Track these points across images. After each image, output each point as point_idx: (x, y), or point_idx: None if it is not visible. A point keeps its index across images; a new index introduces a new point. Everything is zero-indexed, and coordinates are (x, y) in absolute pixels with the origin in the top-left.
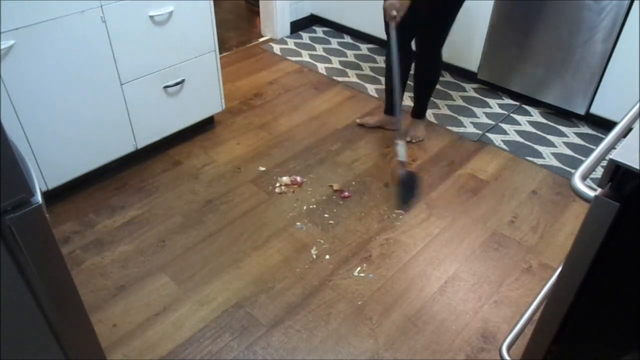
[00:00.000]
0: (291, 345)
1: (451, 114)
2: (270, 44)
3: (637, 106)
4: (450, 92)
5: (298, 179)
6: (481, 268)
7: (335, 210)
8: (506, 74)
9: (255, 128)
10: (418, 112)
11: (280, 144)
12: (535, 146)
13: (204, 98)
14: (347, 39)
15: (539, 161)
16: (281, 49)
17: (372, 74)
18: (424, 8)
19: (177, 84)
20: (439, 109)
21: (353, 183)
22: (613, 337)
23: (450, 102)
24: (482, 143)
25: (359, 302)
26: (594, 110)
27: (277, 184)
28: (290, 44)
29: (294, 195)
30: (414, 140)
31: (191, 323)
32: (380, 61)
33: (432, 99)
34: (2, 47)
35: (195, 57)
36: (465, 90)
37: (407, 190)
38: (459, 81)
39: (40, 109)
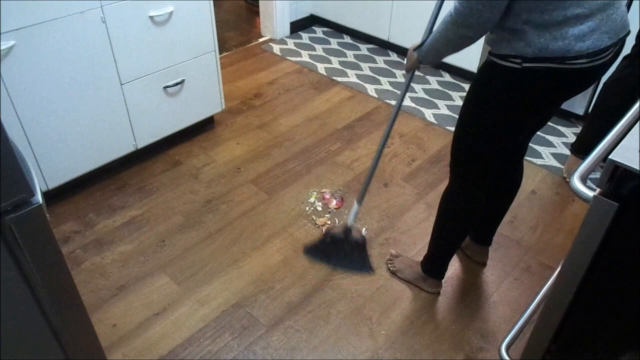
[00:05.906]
0: (291, 345)
1: (450, 114)
2: (270, 44)
3: (637, 106)
4: (449, 92)
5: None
6: (481, 268)
7: (334, 210)
8: None
9: (255, 128)
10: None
11: (280, 144)
12: (535, 146)
13: (204, 98)
14: (347, 39)
15: (538, 161)
16: (281, 49)
17: (371, 74)
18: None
19: (177, 84)
20: (439, 109)
21: (353, 183)
22: (612, 337)
23: (449, 102)
24: None
25: (359, 302)
26: None
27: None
28: (290, 44)
29: (294, 195)
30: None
31: (191, 323)
32: (380, 61)
33: (431, 99)
34: (2, 47)
35: (195, 57)
36: (464, 91)
37: (364, 253)
38: (459, 81)
39: (40, 109)
